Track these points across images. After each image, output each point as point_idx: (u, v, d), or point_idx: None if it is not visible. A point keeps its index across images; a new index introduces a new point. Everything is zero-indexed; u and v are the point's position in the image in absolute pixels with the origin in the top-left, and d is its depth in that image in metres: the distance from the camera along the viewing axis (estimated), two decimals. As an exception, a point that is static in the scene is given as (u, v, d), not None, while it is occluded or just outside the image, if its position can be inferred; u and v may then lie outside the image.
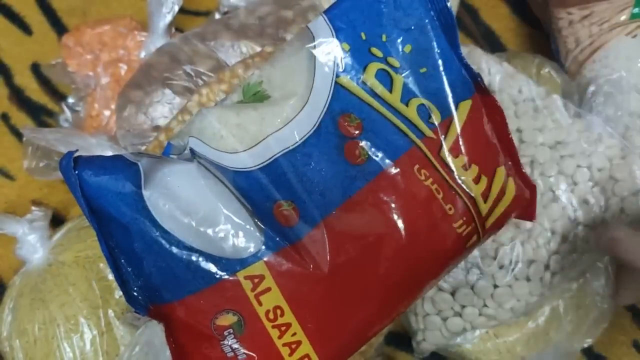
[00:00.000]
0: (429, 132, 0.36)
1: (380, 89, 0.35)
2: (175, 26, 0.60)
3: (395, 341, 0.57)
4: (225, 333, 0.32)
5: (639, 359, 0.57)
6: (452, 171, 0.36)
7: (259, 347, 0.32)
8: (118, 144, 0.53)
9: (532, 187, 0.40)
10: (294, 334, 0.33)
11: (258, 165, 0.33)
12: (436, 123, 0.36)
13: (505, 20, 0.67)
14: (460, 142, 0.36)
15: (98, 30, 0.60)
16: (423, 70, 0.36)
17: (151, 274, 0.32)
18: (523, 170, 0.39)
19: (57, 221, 0.60)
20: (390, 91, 0.36)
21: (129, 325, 0.50)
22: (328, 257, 0.33)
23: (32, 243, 0.52)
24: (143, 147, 0.50)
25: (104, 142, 0.53)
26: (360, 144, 0.35)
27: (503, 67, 0.48)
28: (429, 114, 0.36)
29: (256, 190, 0.33)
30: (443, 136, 0.36)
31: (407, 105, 0.36)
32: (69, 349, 0.49)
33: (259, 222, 0.33)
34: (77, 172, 0.31)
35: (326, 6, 0.40)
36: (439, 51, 0.36)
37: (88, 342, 0.49)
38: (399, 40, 0.36)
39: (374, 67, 0.35)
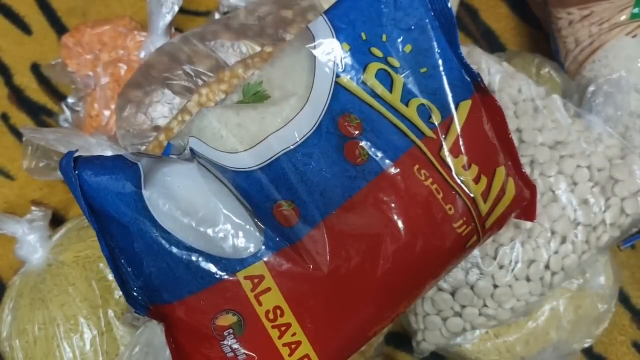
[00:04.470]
0: (429, 132, 0.36)
1: (380, 89, 0.35)
2: (175, 26, 0.60)
3: (395, 341, 0.57)
4: (225, 333, 0.32)
5: None
6: (452, 171, 0.36)
7: (259, 348, 0.32)
8: (118, 144, 0.53)
9: (532, 187, 0.40)
10: (294, 334, 0.33)
11: (259, 165, 0.33)
12: (436, 123, 0.36)
13: (505, 20, 0.67)
14: (461, 142, 0.36)
15: (98, 30, 0.60)
16: (423, 70, 0.36)
17: (151, 274, 0.32)
18: (523, 171, 0.39)
19: (57, 221, 0.60)
20: (391, 91, 0.36)
21: (129, 325, 0.50)
22: (328, 257, 0.33)
23: (32, 243, 0.52)
24: (143, 148, 0.50)
25: (104, 142, 0.53)
26: (361, 144, 0.35)
27: (503, 67, 0.48)
28: (429, 114, 0.36)
29: (256, 190, 0.33)
30: (443, 136, 0.36)
31: (407, 105, 0.36)
32: (69, 349, 0.49)
33: (259, 222, 0.33)
34: (77, 172, 0.31)
35: (326, 6, 0.40)
36: (439, 51, 0.36)
37: (88, 342, 0.49)
38: (399, 41, 0.36)
39: (375, 67, 0.35)
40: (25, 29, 0.68)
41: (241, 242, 0.32)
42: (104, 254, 0.32)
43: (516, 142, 0.45)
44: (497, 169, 0.37)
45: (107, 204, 0.32)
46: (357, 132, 0.35)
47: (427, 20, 0.36)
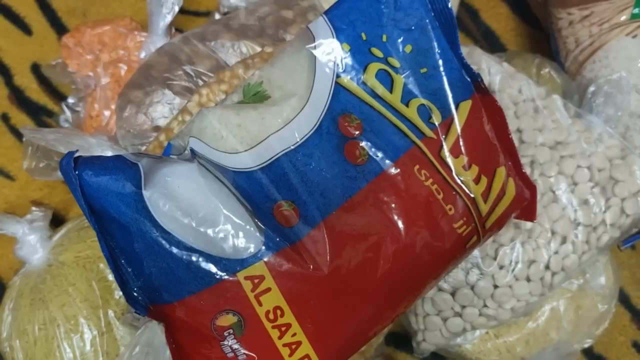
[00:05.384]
0: (429, 133, 0.36)
1: (380, 89, 0.35)
2: (175, 26, 0.60)
3: (395, 341, 0.57)
4: (225, 333, 0.32)
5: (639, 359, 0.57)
6: (452, 171, 0.36)
7: (259, 348, 0.32)
8: (118, 144, 0.53)
9: (532, 188, 0.40)
10: (294, 334, 0.33)
11: (259, 165, 0.33)
12: (436, 123, 0.36)
13: (505, 21, 0.67)
14: (461, 143, 0.36)
15: (98, 30, 0.60)
16: (423, 70, 0.36)
17: (151, 275, 0.32)
18: (523, 171, 0.39)
19: (57, 221, 0.60)
20: (391, 91, 0.36)
21: (129, 325, 0.50)
22: (328, 257, 0.33)
23: (32, 243, 0.52)
24: (143, 148, 0.50)
25: (104, 142, 0.53)
26: (361, 144, 0.35)
27: (503, 67, 0.48)
28: (429, 114, 0.36)
29: (256, 191, 0.33)
30: (443, 136, 0.36)
31: (407, 105, 0.36)
32: (69, 349, 0.49)
33: (259, 223, 0.33)
34: (77, 172, 0.31)
35: (326, 6, 0.40)
36: (439, 51, 0.36)
37: (88, 343, 0.49)
38: (399, 41, 0.36)
39: (375, 67, 0.35)
40: (25, 29, 0.68)
41: (241, 242, 0.32)
42: (104, 254, 0.32)
43: (516, 142, 0.45)
44: (497, 169, 0.37)
45: (107, 204, 0.32)
46: (357, 132, 0.35)
47: (427, 20, 0.36)
